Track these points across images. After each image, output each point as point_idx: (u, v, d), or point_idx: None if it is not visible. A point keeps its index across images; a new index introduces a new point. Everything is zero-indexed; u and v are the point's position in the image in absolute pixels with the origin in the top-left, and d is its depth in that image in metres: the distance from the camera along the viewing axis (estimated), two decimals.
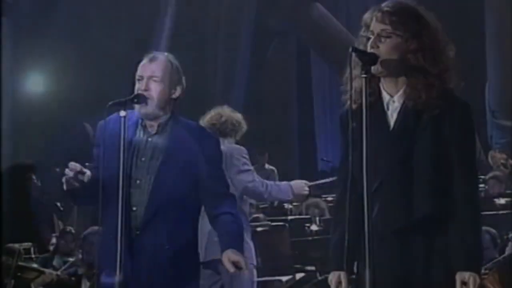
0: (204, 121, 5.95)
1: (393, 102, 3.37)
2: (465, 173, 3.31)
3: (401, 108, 3.35)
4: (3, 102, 12.71)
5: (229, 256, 3.91)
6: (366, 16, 3.37)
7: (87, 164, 4.11)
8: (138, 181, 4.00)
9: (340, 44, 14.90)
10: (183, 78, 4.14)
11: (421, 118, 3.30)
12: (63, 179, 3.89)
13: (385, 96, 3.38)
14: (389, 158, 3.30)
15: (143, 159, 4.03)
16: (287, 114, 17.56)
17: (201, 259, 4.76)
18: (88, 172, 3.91)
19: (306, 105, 18.30)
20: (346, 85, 3.32)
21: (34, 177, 13.14)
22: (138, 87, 4.03)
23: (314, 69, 18.61)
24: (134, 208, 3.98)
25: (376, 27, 3.31)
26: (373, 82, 3.34)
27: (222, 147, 5.77)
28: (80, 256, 7.43)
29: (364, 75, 3.20)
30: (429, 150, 3.29)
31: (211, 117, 6.00)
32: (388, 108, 3.37)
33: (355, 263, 3.33)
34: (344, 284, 3.37)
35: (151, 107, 4.01)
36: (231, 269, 3.90)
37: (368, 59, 3.23)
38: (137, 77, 4.06)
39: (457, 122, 3.31)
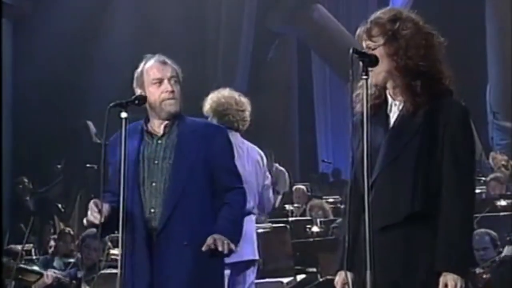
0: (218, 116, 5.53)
1: (395, 105, 3.44)
2: (457, 173, 3.30)
3: (401, 110, 3.41)
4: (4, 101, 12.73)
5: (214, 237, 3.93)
6: (357, 33, 3.48)
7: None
8: (154, 184, 4.07)
9: (340, 45, 14.91)
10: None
11: (415, 118, 3.35)
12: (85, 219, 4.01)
13: (389, 100, 3.46)
14: (385, 155, 3.35)
15: (156, 161, 4.09)
16: (288, 115, 17.57)
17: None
18: (105, 209, 3.96)
19: (307, 106, 18.32)
20: (355, 91, 3.38)
21: (26, 180, 13.17)
22: (160, 90, 4.10)
23: (315, 70, 18.63)
24: (152, 210, 4.04)
25: (365, 41, 3.43)
26: (380, 86, 3.44)
27: (254, 147, 5.71)
28: (79, 256, 7.40)
29: (364, 77, 3.23)
30: (422, 148, 3.32)
31: (233, 116, 5.52)
32: (390, 111, 3.45)
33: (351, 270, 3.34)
34: (350, 284, 3.38)
35: (177, 107, 4.12)
36: (204, 246, 3.90)
37: (369, 61, 3.27)
38: (150, 81, 4.12)
39: (450, 122, 3.33)
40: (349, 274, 3.36)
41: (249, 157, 5.52)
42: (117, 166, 3.99)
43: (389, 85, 3.44)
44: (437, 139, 3.32)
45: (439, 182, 3.30)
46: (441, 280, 3.22)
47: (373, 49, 3.37)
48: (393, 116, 3.42)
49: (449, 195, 3.27)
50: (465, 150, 3.35)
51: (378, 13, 3.46)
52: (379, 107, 3.42)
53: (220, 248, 3.88)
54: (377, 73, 3.37)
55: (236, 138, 5.39)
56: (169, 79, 4.10)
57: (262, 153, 5.70)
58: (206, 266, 4.01)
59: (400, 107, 3.41)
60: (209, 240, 3.90)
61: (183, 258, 3.98)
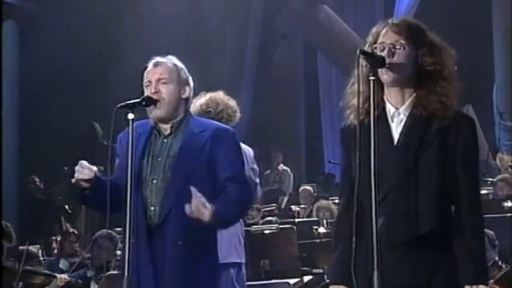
0: (196, 105, 5.41)
1: (398, 114, 3.34)
2: (470, 186, 3.31)
3: (406, 120, 3.32)
4: (5, 100, 12.74)
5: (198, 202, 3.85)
6: (375, 30, 3.37)
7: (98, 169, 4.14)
8: (154, 181, 4.05)
9: (347, 46, 14.89)
10: (190, 78, 4.20)
11: (429, 130, 3.28)
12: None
13: (390, 108, 3.35)
14: (394, 171, 3.26)
15: (159, 159, 4.08)
16: (294, 116, 17.55)
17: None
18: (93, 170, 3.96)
19: (313, 107, 18.30)
20: (349, 96, 3.34)
21: (37, 179, 13.19)
22: (148, 92, 4.10)
23: (321, 71, 18.60)
24: (152, 208, 4.03)
25: (390, 37, 3.31)
26: (377, 95, 3.30)
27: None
28: (85, 256, 7.42)
29: (372, 77, 3.20)
30: (435, 163, 3.26)
31: (206, 103, 5.45)
32: (392, 121, 3.34)
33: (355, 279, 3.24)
34: None
35: (163, 109, 4.07)
36: (188, 209, 3.84)
37: (376, 61, 3.23)
38: (145, 84, 4.13)
39: (462, 136, 3.29)
40: None
41: None
42: (124, 163, 3.96)
43: (395, 90, 3.33)
44: (448, 153, 3.27)
45: (453, 195, 3.29)
46: None
47: (406, 47, 3.28)
48: (396, 127, 3.33)
49: (466, 209, 3.28)
50: (476, 166, 3.36)
51: (408, 19, 3.41)
52: (378, 117, 3.22)
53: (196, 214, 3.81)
54: (399, 71, 3.26)
55: None
56: (156, 81, 4.07)
57: (248, 148, 5.60)
58: (201, 265, 4.01)
59: (404, 116, 3.32)
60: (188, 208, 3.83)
61: (178, 256, 3.96)
